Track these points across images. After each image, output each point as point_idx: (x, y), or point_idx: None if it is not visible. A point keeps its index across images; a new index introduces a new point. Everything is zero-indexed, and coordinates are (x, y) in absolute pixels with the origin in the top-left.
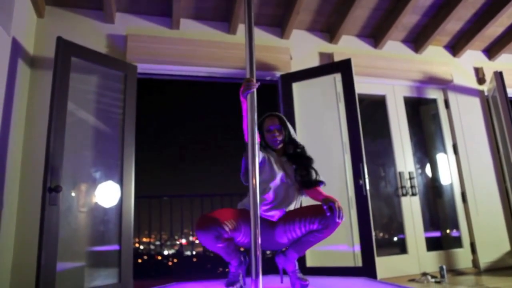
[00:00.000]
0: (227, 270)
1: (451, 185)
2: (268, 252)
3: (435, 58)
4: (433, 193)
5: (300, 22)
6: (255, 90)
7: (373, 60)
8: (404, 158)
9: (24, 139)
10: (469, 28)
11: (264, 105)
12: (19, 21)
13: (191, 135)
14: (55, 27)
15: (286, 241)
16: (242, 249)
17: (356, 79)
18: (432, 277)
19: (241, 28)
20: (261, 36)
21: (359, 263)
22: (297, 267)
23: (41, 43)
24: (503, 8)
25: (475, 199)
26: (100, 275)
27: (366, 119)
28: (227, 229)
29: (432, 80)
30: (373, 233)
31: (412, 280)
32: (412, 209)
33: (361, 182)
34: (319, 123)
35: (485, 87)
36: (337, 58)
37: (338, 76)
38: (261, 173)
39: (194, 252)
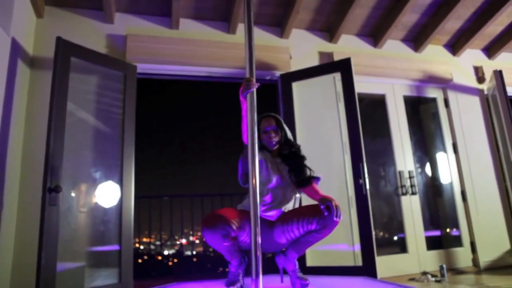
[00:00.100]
0: (227, 270)
1: (451, 184)
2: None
3: (434, 57)
4: (433, 192)
5: (299, 21)
6: (255, 90)
7: (373, 59)
8: (404, 157)
9: (24, 139)
10: (469, 27)
11: (264, 105)
12: (18, 22)
13: (191, 135)
14: (54, 27)
15: (285, 241)
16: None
17: (356, 79)
18: (432, 276)
19: (241, 28)
20: (261, 36)
21: (359, 262)
22: (297, 266)
23: (40, 43)
24: (503, 6)
25: (475, 198)
26: (100, 275)
27: (366, 119)
28: (234, 227)
29: (432, 79)
30: (373, 233)
31: (412, 279)
32: (412, 208)
33: (361, 181)
34: (319, 122)
35: (484, 86)
36: (336, 58)
37: (337, 76)
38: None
39: (194, 252)
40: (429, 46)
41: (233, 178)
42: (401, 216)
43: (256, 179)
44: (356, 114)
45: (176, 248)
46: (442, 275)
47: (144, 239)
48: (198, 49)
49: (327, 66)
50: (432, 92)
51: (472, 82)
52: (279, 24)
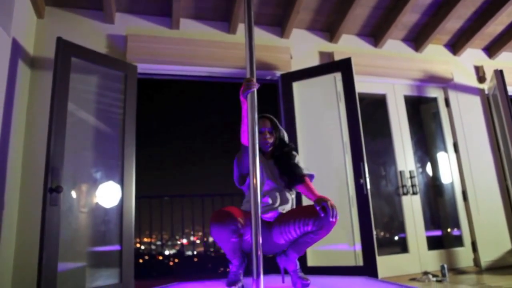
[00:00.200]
0: (227, 270)
1: (452, 183)
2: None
3: (435, 57)
4: (434, 191)
5: (300, 21)
6: (255, 90)
7: (373, 59)
8: (405, 157)
9: (24, 139)
10: (469, 26)
11: (264, 105)
12: (19, 22)
13: (191, 135)
14: (55, 28)
15: (283, 242)
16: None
17: (356, 78)
18: (433, 276)
19: (241, 28)
20: (261, 36)
21: (360, 262)
22: (298, 266)
23: (41, 43)
24: (503, 6)
25: (476, 198)
26: (101, 275)
27: (366, 118)
28: (242, 221)
29: (433, 79)
30: (374, 232)
31: (413, 279)
32: (413, 208)
33: (361, 181)
34: (319, 122)
35: (485, 86)
36: (337, 57)
37: (338, 75)
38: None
39: (195, 252)
40: (429, 46)
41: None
42: (402, 216)
43: (257, 179)
44: (356, 114)
45: (177, 248)
46: (443, 275)
47: (145, 239)
48: (199, 49)
49: (327, 66)
50: (433, 92)
51: (473, 82)
52: (279, 24)
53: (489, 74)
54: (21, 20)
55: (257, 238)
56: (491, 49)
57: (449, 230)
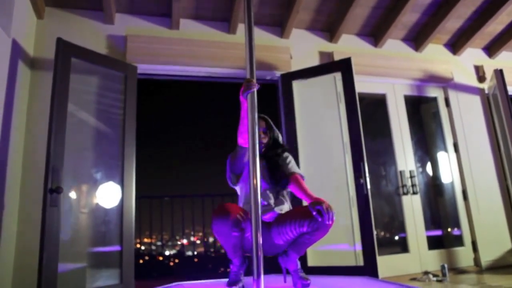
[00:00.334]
0: (228, 270)
1: (452, 183)
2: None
3: (435, 57)
4: (434, 191)
5: (300, 21)
6: (255, 90)
7: (373, 59)
8: (405, 156)
9: (24, 140)
10: (469, 26)
11: (265, 105)
12: (19, 23)
13: (192, 135)
14: (55, 28)
15: (282, 242)
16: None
17: (356, 78)
18: (434, 275)
19: (241, 28)
20: (261, 36)
21: (361, 262)
22: (299, 266)
23: (41, 44)
24: (503, 6)
25: (476, 197)
26: (101, 275)
27: (366, 118)
28: (243, 216)
29: (433, 79)
30: (374, 232)
31: (414, 279)
32: (413, 207)
33: (362, 181)
34: (319, 122)
35: (485, 85)
36: (337, 57)
37: (338, 75)
38: (245, 182)
39: (195, 253)
40: (429, 46)
41: None
42: (402, 216)
43: (257, 179)
44: (356, 113)
45: (177, 248)
46: (444, 275)
47: (145, 240)
48: (199, 49)
49: (327, 66)
50: (433, 92)
51: (473, 81)
52: (279, 24)
53: (489, 74)
54: (21, 20)
55: (257, 238)
56: (491, 49)
57: (449, 229)
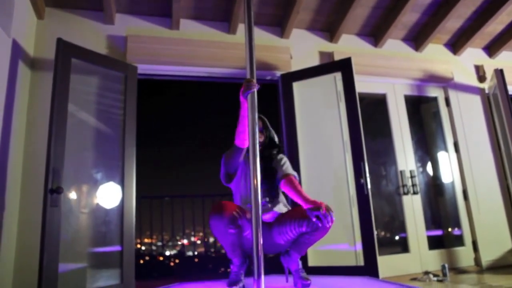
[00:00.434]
0: (228, 270)
1: (453, 183)
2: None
3: (435, 56)
4: (435, 191)
5: (300, 21)
6: (255, 90)
7: (374, 58)
8: (405, 156)
9: (25, 140)
10: (469, 26)
11: (265, 105)
12: (19, 23)
13: (192, 135)
14: (55, 29)
15: (283, 242)
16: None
17: (357, 78)
18: (434, 275)
19: (241, 28)
20: (261, 36)
21: (361, 262)
22: (300, 266)
23: (41, 44)
24: (503, 5)
25: (477, 197)
26: (102, 276)
27: (366, 118)
28: (240, 213)
29: (433, 78)
30: (375, 232)
31: (414, 279)
32: (413, 207)
33: (362, 181)
34: (319, 122)
35: (485, 85)
36: (337, 57)
37: (338, 75)
38: (239, 181)
39: (195, 253)
40: (429, 45)
41: None
42: (402, 216)
43: (257, 179)
44: (357, 113)
45: (178, 248)
46: (444, 275)
47: (146, 240)
48: (199, 50)
49: (327, 65)
50: (433, 91)
51: (473, 81)
52: (279, 24)
53: (489, 74)
54: (21, 21)
55: (258, 238)
56: (491, 49)
57: (449, 229)
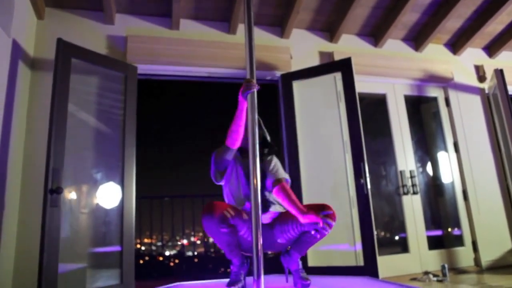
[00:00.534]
0: (228, 270)
1: (452, 183)
2: (269, 252)
3: (435, 56)
4: (435, 191)
5: (300, 21)
6: (255, 90)
7: (373, 58)
8: (405, 156)
9: (25, 140)
10: (469, 26)
11: (264, 105)
12: (19, 23)
13: (192, 135)
14: (55, 29)
15: (285, 241)
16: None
17: (357, 78)
18: (434, 275)
19: (241, 28)
20: (261, 36)
21: (361, 262)
22: (300, 266)
23: (41, 44)
24: (503, 5)
25: (477, 197)
26: (102, 276)
27: (366, 118)
28: (232, 212)
29: (433, 78)
30: (375, 232)
31: (414, 279)
32: (413, 207)
33: (362, 181)
34: (319, 122)
35: (485, 85)
36: (337, 57)
37: (338, 75)
38: (228, 180)
39: (195, 253)
40: (429, 45)
41: None
42: (402, 216)
43: (257, 180)
44: (357, 113)
45: (178, 248)
46: (444, 275)
47: (146, 240)
48: (199, 50)
49: (327, 65)
50: (433, 91)
51: (473, 81)
52: (279, 24)
53: (489, 74)
54: (21, 21)
55: (257, 238)
56: (491, 49)
57: (449, 229)
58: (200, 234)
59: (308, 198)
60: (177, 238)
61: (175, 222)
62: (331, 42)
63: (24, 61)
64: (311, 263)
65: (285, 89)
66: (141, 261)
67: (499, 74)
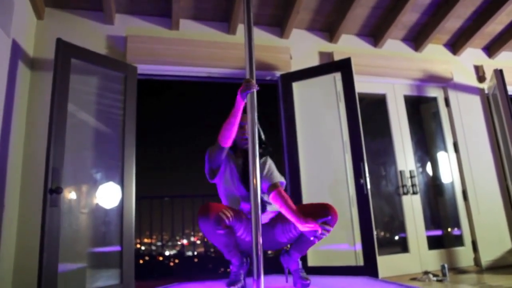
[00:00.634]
0: (228, 270)
1: (452, 183)
2: (269, 251)
3: (435, 56)
4: (434, 191)
5: (299, 21)
6: (255, 91)
7: (373, 59)
8: (405, 156)
9: (24, 140)
10: (469, 26)
11: (264, 105)
12: (18, 23)
13: (192, 135)
14: (54, 29)
15: (286, 240)
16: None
17: (356, 78)
18: (434, 275)
19: (241, 28)
20: (261, 36)
21: (361, 262)
22: (300, 266)
23: (41, 44)
24: (502, 6)
25: (476, 197)
26: (101, 276)
27: (366, 118)
28: (228, 214)
29: (432, 79)
30: (375, 232)
31: (414, 279)
32: (413, 207)
33: (362, 181)
34: (319, 122)
35: (485, 85)
36: (337, 57)
37: (338, 75)
38: (221, 178)
39: (195, 253)
40: (429, 46)
41: None
42: (402, 216)
43: (257, 179)
44: (356, 113)
45: (177, 248)
46: (444, 275)
47: (145, 240)
48: (198, 50)
49: (327, 66)
50: (433, 92)
51: (473, 81)
52: (279, 24)
53: (489, 74)
54: (21, 21)
55: (257, 238)
56: (491, 49)
57: (449, 229)
58: (200, 234)
59: (308, 198)
60: (177, 238)
61: (175, 222)
62: (330, 42)
63: (23, 61)
64: (311, 263)
65: (285, 89)
66: (141, 261)
67: (499, 74)
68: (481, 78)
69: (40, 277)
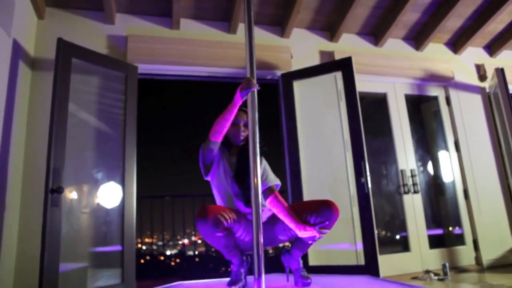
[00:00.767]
0: (229, 269)
1: (453, 182)
2: (270, 251)
3: (436, 56)
4: (435, 190)
5: (300, 21)
6: (255, 90)
7: (374, 58)
8: (406, 155)
9: (25, 140)
10: (470, 25)
11: (265, 105)
12: (19, 23)
13: (192, 135)
14: (55, 29)
15: (286, 238)
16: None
17: (357, 77)
18: (435, 274)
19: (241, 28)
20: (262, 35)
21: (362, 261)
22: (301, 265)
23: (41, 44)
24: (503, 5)
25: (477, 196)
26: (103, 275)
27: (367, 117)
28: (226, 216)
29: (433, 78)
30: (376, 231)
31: (415, 278)
32: (414, 206)
33: (362, 180)
34: (320, 121)
35: (486, 84)
36: (337, 57)
37: (339, 75)
38: (214, 175)
39: (196, 252)
40: (430, 45)
41: None
42: (403, 215)
43: (258, 179)
44: (357, 112)
45: (178, 248)
46: (445, 274)
47: (146, 240)
48: (199, 49)
49: (328, 65)
50: (434, 91)
51: (474, 80)
52: (279, 24)
53: (490, 73)
54: (21, 21)
55: (258, 238)
56: (492, 48)
57: (450, 228)
58: None
59: (309, 197)
60: (178, 237)
61: (176, 222)
62: (331, 42)
63: (24, 61)
64: (312, 262)
65: (286, 88)
66: (142, 261)
67: (500, 73)
68: (482, 77)
69: (41, 277)
